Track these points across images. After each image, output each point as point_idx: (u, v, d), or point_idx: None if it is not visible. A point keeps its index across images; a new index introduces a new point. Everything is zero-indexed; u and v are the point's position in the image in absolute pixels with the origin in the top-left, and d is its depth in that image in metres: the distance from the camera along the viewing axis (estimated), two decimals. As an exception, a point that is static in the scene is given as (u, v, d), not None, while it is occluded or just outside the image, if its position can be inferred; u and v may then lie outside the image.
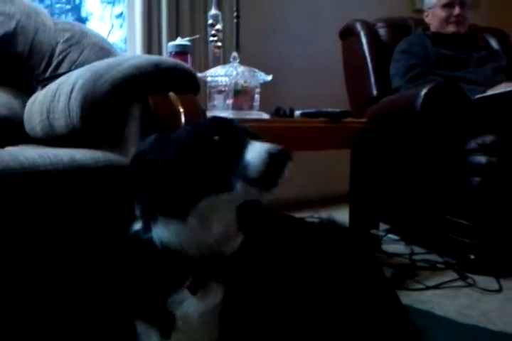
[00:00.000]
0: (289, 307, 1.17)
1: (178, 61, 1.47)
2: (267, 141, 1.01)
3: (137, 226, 1.08)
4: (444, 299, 1.73)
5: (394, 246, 2.39)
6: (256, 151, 0.96)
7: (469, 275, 1.95)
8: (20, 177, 1.09)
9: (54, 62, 1.92)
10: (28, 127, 1.64)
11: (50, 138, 1.53)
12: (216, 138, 1.00)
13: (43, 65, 1.91)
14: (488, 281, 1.89)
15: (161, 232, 1.00)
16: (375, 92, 2.61)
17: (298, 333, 1.17)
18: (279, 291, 1.16)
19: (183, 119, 1.36)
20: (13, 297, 1.13)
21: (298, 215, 2.16)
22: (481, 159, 1.94)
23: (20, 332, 1.14)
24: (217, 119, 1.09)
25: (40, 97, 1.56)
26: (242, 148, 0.99)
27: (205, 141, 1.01)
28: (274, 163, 0.96)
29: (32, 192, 1.11)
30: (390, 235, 2.55)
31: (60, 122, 1.42)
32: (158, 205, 1.00)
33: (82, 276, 1.21)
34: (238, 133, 1.04)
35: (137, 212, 1.06)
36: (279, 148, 0.97)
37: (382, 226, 2.70)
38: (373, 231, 2.37)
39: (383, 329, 1.26)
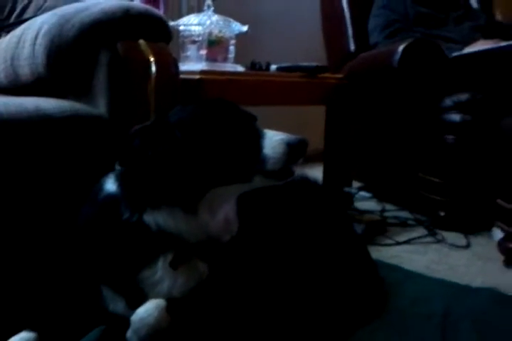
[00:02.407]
0: (265, 264, 1.18)
1: (149, 7, 1.40)
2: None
3: (109, 186, 1.04)
4: (413, 254, 1.76)
5: (366, 203, 2.42)
6: (274, 142, 0.96)
7: (439, 231, 1.99)
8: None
9: (19, 7, 1.83)
10: (-10, 76, 1.57)
11: (15, 87, 1.47)
12: (230, 124, 0.98)
13: (6, 10, 1.83)
14: (457, 237, 1.93)
15: (163, 219, 0.97)
16: (352, 48, 2.56)
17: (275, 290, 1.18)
18: (254, 250, 1.16)
19: (153, 68, 1.31)
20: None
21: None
22: (456, 117, 1.94)
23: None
24: (223, 102, 1.04)
25: (3, 44, 1.48)
26: (257, 137, 0.97)
27: (218, 127, 0.98)
28: (292, 154, 0.96)
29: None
30: (362, 192, 2.58)
31: (25, 70, 1.36)
32: (164, 194, 0.96)
33: (45, 231, 1.18)
34: (248, 119, 1.02)
35: (126, 193, 1.00)
36: (297, 139, 0.96)
37: (356, 184, 2.73)
38: (346, 189, 2.38)
39: (352, 282, 1.28)
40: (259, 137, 0.98)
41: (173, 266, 1.00)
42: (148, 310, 0.96)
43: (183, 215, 0.97)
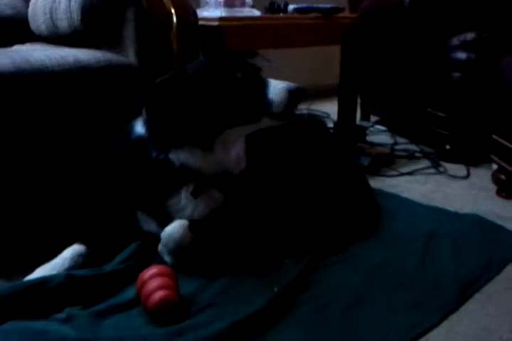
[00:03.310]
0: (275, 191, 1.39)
1: (169, -38, 1.53)
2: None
3: (139, 129, 1.25)
4: (414, 184, 1.94)
5: (380, 136, 2.58)
6: (278, 89, 1.15)
7: (443, 163, 2.15)
8: (31, 77, 1.24)
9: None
10: (33, 26, 1.74)
11: (55, 37, 1.65)
12: (239, 74, 1.17)
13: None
14: (458, 169, 2.09)
15: (185, 157, 1.18)
16: (371, -15, 2.60)
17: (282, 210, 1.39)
18: (266, 179, 1.37)
19: (174, 19, 1.47)
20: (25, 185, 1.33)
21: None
22: (462, 55, 2.03)
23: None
24: (233, 55, 1.23)
25: (42, -3, 1.65)
26: (263, 85, 1.17)
27: (230, 78, 1.16)
28: (293, 99, 1.15)
29: (41, 92, 1.26)
30: (378, 126, 2.73)
31: (63, 23, 1.54)
32: (185, 136, 1.17)
33: (85, 170, 1.40)
34: (254, 70, 1.20)
35: (152, 136, 1.20)
36: (296, 86, 1.16)
37: (373, 118, 2.87)
38: (360, 123, 2.53)
39: (351, 205, 1.49)
40: (264, 85, 1.18)
41: (194, 194, 1.23)
42: (174, 228, 1.20)
43: (202, 153, 1.19)
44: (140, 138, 1.23)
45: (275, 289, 1.12)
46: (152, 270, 1.08)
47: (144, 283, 1.05)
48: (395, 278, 1.22)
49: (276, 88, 1.16)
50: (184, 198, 1.23)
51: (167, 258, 1.21)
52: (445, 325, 1.08)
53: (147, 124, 1.22)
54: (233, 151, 1.25)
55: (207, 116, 1.16)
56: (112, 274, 1.15)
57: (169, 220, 1.23)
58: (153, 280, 1.05)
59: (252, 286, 1.15)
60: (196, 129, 1.16)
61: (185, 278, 1.15)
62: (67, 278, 1.08)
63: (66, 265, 1.17)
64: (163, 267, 1.11)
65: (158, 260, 1.22)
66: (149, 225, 1.28)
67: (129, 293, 1.11)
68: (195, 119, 1.15)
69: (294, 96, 1.15)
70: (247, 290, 1.13)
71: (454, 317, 1.10)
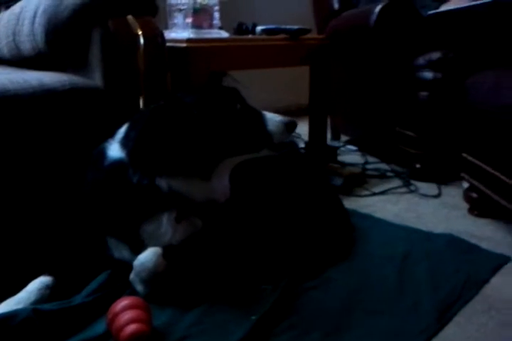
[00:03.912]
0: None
1: (136, -17, 1.51)
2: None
3: (113, 152, 1.20)
4: (386, 204, 1.94)
5: (351, 156, 2.59)
6: (276, 122, 1.21)
7: (414, 182, 2.16)
8: (-7, 101, 1.19)
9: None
10: (-6, 48, 1.69)
11: (18, 60, 1.60)
12: (239, 105, 1.20)
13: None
14: (429, 188, 2.10)
15: (178, 184, 1.15)
16: (336, 6, 2.63)
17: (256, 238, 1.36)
18: (240, 205, 1.34)
19: (141, 41, 1.44)
20: None
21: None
22: (428, 74, 2.06)
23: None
24: (228, 88, 1.27)
25: (4, 20, 1.60)
26: (261, 116, 1.21)
27: (230, 108, 1.19)
28: (289, 131, 1.22)
29: (3, 115, 1.21)
30: (348, 146, 2.74)
31: (26, 45, 1.49)
32: (185, 164, 1.15)
33: (50, 196, 1.34)
34: (246, 101, 1.24)
35: (139, 163, 1.16)
36: (290, 119, 1.22)
37: (344, 138, 2.88)
38: (331, 143, 2.53)
39: (325, 228, 1.47)
40: (261, 116, 1.22)
41: (178, 220, 1.19)
42: (147, 256, 1.15)
43: (198, 182, 1.18)
44: (116, 162, 1.19)
45: (253, 318, 1.08)
46: (123, 302, 1.03)
47: (116, 315, 1.01)
48: (373, 303, 1.20)
49: (274, 120, 1.21)
50: (165, 224, 1.19)
51: (139, 288, 1.15)
52: (427, 350, 1.05)
53: (130, 150, 1.17)
54: (226, 180, 1.26)
55: (210, 145, 1.16)
56: (81, 307, 1.09)
57: (142, 246, 1.18)
58: (125, 313, 1.00)
59: (229, 316, 1.11)
60: (197, 158, 1.15)
61: (158, 309, 1.10)
62: (33, 313, 1.02)
63: (32, 298, 1.11)
64: (135, 298, 1.06)
65: (129, 290, 1.17)
66: (121, 252, 1.23)
67: (100, 326, 1.05)
68: (197, 148, 1.15)
69: (289, 128, 1.22)
70: (223, 320, 1.09)
71: (435, 342, 1.08)
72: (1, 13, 1.70)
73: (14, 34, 1.52)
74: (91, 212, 1.24)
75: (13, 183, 1.27)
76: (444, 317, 1.15)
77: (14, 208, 1.29)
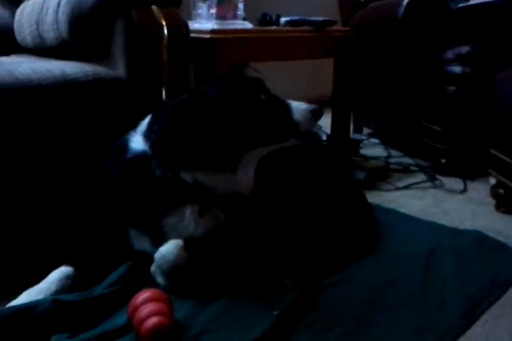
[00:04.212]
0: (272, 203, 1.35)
1: (160, -27, 1.49)
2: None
3: (136, 145, 1.20)
4: (410, 199, 1.89)
5: (374, 149, 2.55)
6: (301, 110, 1.20)
7: (439, 177, 2.11)
8: (16, 91, 1.19)
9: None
10: (18, 37, 1.69)
11: (41, 49, 1.60)
12: (263, 96, 1.19)
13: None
14: (455, 183, 2.06)
15: (203, 177, 1.15)
16: (362, -3, 2.59)
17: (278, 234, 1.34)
18: (263, 198, 1.33)
19: (165, 32, 1.43)
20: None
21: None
22: (457, 69, 2.01)
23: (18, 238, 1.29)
24: (252, 79, 1.25)
25: (28, 8, 1.60)
26: (285, 106, 1.21)
27: (254, 99, 1.18)
28: (315, 119, 1.22)
29: (26, 105, 1.21)
30: (371, 139, 2.69)
31: (50, 34, 1.49)
32: (210, 157, 1.14)
33: (73, 188, 1.35)
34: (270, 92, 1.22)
35: (163, 157, 1.15)
36: (315, 107, 1.21)
37: (366, 130, 2.84)
38: (353, 136, 2.50)
39: (348, 223, 1.44)
40: (286, 106, 1.21)
41: (201, 214, 1.18)
42: (169, 248, 1.14)
43: (223, 174, 1.16)
44: (139, 154, 1.18)
45: (274, 313, 1.06)
46: (145, 294, 1.02)
47: (136, 308, 0.99)
48: (397, 300, 1.17)
49: (299, 109, 1.21)
50: (188, 217, 1.18)
51: (160, 280, 1.15)
52: (453, 349, 1.02)
53: (154, 143, 1.16)
54: (251, 172, 1.24)
55: (234, 138, 1.14)
56: (102, 298, 1.09)
57: (163, 239, 1.17)
58: (146, 306, 0.99)
59: (249, 310, 1.09)
60: (223, 151, 1.14)
61: (179, 301, 1.09)
62: (53, 304, 1.02)
63: (53, 289, 1.10)
64: (157, 291, 1.05)
65: (150, 282, 1.16)
66: (142, 243, 1.22)
67: (120, 318, 1.04)
68: (222, 142, 1.13)
69: (316, 116, 1.22)
70: (243, 314, 1.07)
71: (461, 341, 1.05)
72: (25, 2, 1.70)
73: (38, 23, 1.52)
74: (113, 203, 1.23)
75: (35, 174, 1.27)
76: (471, 315, 1.12)
77: (36, 198, 1.29)
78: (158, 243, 1.17)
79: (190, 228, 1.18)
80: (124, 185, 1.20)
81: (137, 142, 1.19)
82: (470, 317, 1.12)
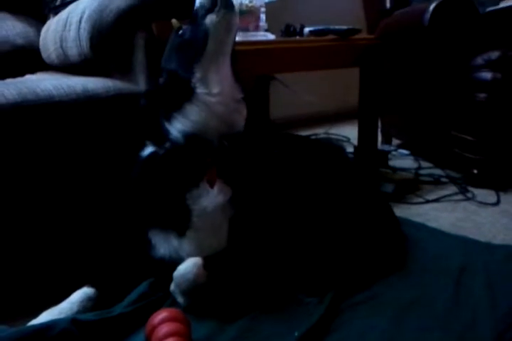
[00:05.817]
0: (291, 216, 1.31)
1: (179, -14, 1.49)
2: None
3: (148, 150, 1.21)
4: (441, 212, 1.84)
5: (403, 161, 2.49)
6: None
7: (470, 189, 2.05)
8: (37, 108, 1.19)
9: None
10: (44, 55, 1.71)
11: (66, 65, 1.61)
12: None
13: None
14: (488, 195, 1.99)
15: (182, 124, 1.16)
16: (388, 5, 2.55)
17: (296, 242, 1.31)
18: (283, 201, 1.30)
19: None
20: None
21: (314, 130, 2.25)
22: (487, 75, 1.95)
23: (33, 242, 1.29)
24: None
25: (52, 26, 1.62)
26: None
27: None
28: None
29: (47, 122, 1.21)
30: (400, 150, 2.64)
31: (73, 51, 1.50)
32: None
33: (93, 205, 1.35)
34: None
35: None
36: None
37: (395, 141, 2.78)
38: (382, 147, 2.45)
39: (374, 238, 1.39)
40: None
41: (210, 183, 1.18)
42: (187, 267, 1.12)
43: (193, 108, 1.16)
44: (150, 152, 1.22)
45: (296, 334, 1.03)
46: (163, 314, 1.00)
47: (154, 328, 0.98)
48: (425, 320, 1.12)
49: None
50: (202, 188, 1.18)
51: (180, 299, 1.13)
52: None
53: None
54: (218, 85, 1.20)
55: None
56: (121, 318, 1.07)
57: (187, 227, 1.17)
58: (164, 326, 0.97)
59: (271, 331, 1.06)
60: None
61: (198, 321, 1.06)
62: (72, 323, 1.01)
63: (74, 309, 1.09)
64: (175, 311, 1.03)
65: (170, 300, 1.14)
66: (167, 243, 1.20)
67: (139, 338, 1.03)
68: None
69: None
70: (265, 335, 1.04)
71: (493, 365, 0.99)
72: (50, 19, 1.72)
73: (61, 40, 1.53)
74: (137, 204, 1.23)
75: (58, 190, 1.27)
76: (503, 337, 1.06)
77: (60, 214, 1.29)
78: (182, 232, 1.18)
79: (203, 199, 1.18)
80: (150, 172, 1.22)
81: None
82: (502, 339, 1.06)
